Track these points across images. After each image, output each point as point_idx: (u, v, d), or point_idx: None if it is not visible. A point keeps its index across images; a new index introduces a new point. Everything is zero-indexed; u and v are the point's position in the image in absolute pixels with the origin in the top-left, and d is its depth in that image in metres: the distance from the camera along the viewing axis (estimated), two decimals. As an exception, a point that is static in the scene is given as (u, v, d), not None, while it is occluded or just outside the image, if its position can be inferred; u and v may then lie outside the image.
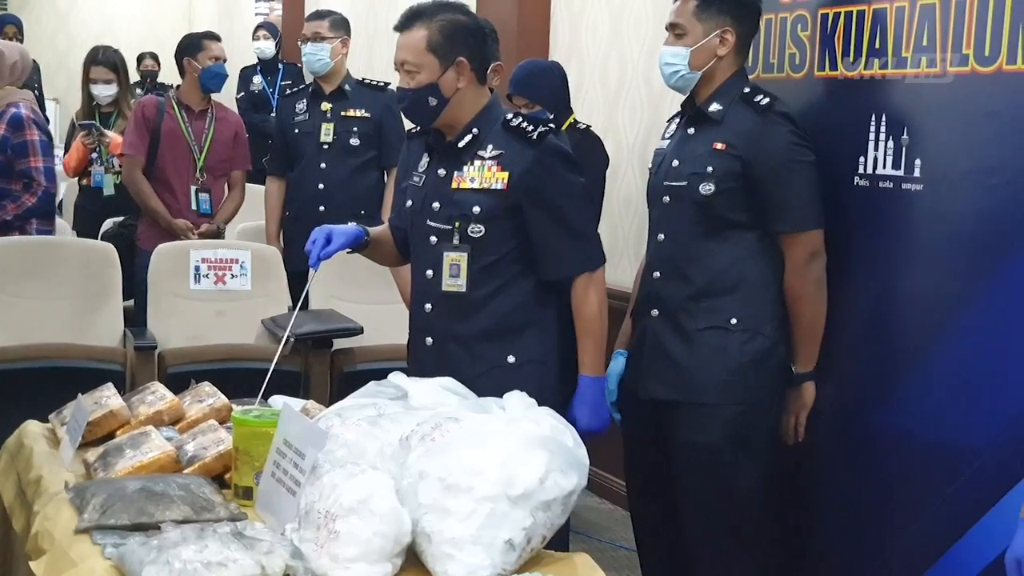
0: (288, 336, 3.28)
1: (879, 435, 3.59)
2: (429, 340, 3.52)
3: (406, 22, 3.40)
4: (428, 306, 3.51)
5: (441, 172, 3.47)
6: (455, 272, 3.42)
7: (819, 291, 3.67)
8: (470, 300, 3.43)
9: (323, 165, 5.98)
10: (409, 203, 3.57)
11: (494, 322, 3.43)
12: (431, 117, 3.44)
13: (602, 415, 3.51)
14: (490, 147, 3.41)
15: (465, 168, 3.42)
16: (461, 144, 3.43)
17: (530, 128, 3.40)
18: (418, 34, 3.36)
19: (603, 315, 3.47)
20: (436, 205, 3.46)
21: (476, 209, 3.39)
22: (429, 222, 3.47)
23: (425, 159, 3.56)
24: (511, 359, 3.42)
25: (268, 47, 9.41)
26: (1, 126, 5.54)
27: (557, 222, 3.41)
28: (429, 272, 3.48)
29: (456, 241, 3.41)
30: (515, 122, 3.43)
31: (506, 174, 3.37)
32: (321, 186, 5.96)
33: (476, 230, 3.39)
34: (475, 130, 3.43)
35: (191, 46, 6.22)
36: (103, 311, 5.52)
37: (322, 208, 5.89)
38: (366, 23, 9.02)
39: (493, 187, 3.38)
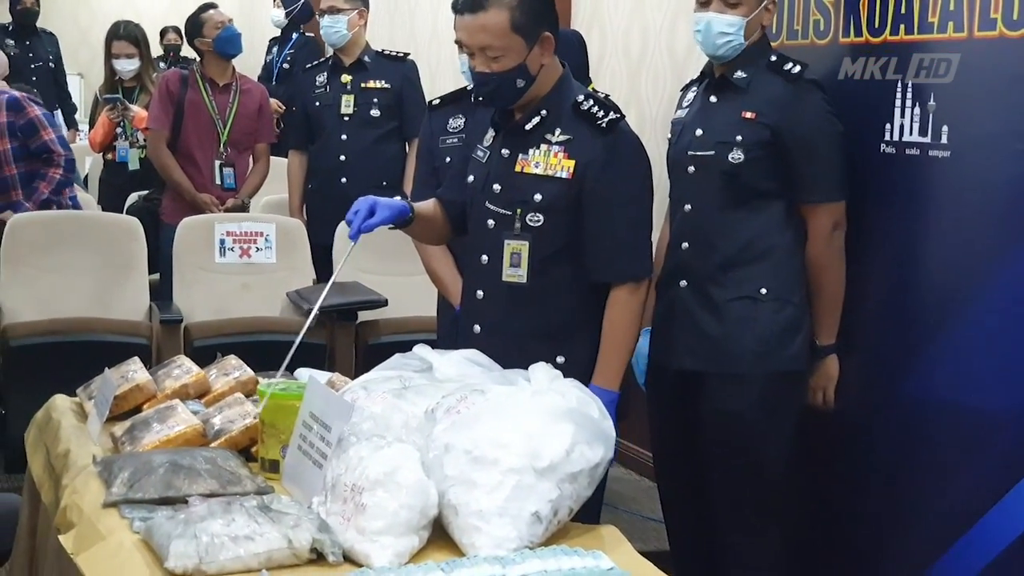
0: (315, 310, 3.25)
1: (906, 404, 3.57)
2: (477, 328, 3.33)
3: (478, 1, 3.11)
4: (480, 293, 3.33)
5: (505, 152, 3.26)
6: (516, 261, 3.22)
7: (841, 261, 3.66)
8: (525, 293, 3.23)
9: (344, 137, 5.99)
10: (471, 178, 3.36)
11: (547, 319, 3.23)
12: (517, 98, 3.20)
13: None
14: (558, 131, 3.20)
15: (531, 151, 3.21)
16: (528, 126, 3.22)
17: (600, 113, 3.19)
18: (498, 15, 3.09)
19: (636, 331, 3.28)
20: (497, 187, 3.26)
21: (538, 197, 3.18)
22: (488, 204, 3.27)
23: (491, 134, 3.35)
24: (560, 359, 3.13)
25: (277, 15, 9.37)
26: (1, 113, 5.58)
27: (614, 220, 3.19)
28: (484, 258, 3.29)
29: (518, 228, 3.21)
30: (585, 105, 3.21)
31: (572, 162, 3.16)
32: (343, 158, 5.96)
33: (535, 219, 3.19)
34: (544, 112, 3.21)
35: (194, 27, 6.23)
36: (128, 285, 5.55)
37: (344, 180, 5.91)
38: (387, -3, 8.99)
39: (557, 175, 3.17)
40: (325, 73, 6.10)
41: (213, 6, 6.36)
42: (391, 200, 3.22)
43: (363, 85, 6.01)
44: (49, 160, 5.64)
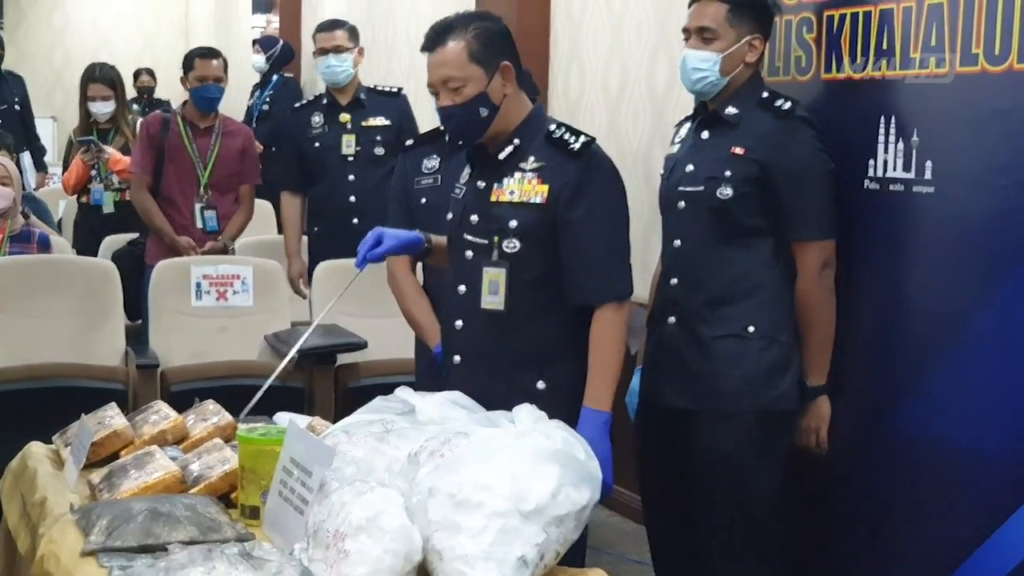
0: (293, 353, 3.22)
1: (895, 442, 3.56)
2: (457, 358, 3.35)
3: (437, 39, 3.22)
4: (459, 323, 3.34)
5: (481, 184, 3.31)
6: (494, 289, 3.23)
7: (832, 300, 3.65)
8: (503, 320, 3.25)
9: (351, 177, 5.93)
10: (449, 215, 3.41)
11: (527, 345, 3.24)
12: (483, 129, 3.25)
13: (601, 451, 2.98)
14: (531, 159, 3.24)
15: (505, 180, 3.26)
16: (502, 156, 3.27)
17: (572, 139, 3.24)
18: (456, 47, 3.19)
19: (621, 350, 3.26)
20: (474, 218, 3.30)
21: (513, 223, 3.21)
22: (466, 235, 3.31)
23: (467, 171, 3.41)
24: (541, 385, 3.22)
25: (258, 61, 9.37)
26: (33, 247, 5.65)
27: (591, 241, 3.20)
28: (462, 288, 3.31)
29: (495, 257, 3.24)
30: (557, 133, 3.26)
31: (546, 187, 3.20)
32: (353, 199, 5.90)
33: (511, 245, 3.21)
34: (516, 140, 3.27)
35: (184, 64, 6.22)
36: (104, 329, 5.50)
37: (356, 220, 5.81)
38: (363, 34, 8.96)
39: (532, 201, 3.21)
40: (320, 113, 6.04)
41: (212, 55, 6.24)
42: (400, 231, 3.31)
43: (364, 124, 5.98)
44: None
